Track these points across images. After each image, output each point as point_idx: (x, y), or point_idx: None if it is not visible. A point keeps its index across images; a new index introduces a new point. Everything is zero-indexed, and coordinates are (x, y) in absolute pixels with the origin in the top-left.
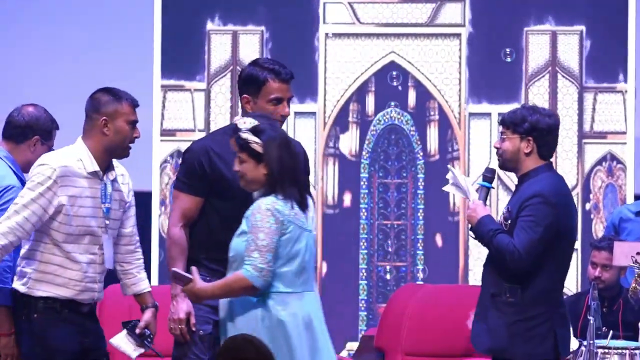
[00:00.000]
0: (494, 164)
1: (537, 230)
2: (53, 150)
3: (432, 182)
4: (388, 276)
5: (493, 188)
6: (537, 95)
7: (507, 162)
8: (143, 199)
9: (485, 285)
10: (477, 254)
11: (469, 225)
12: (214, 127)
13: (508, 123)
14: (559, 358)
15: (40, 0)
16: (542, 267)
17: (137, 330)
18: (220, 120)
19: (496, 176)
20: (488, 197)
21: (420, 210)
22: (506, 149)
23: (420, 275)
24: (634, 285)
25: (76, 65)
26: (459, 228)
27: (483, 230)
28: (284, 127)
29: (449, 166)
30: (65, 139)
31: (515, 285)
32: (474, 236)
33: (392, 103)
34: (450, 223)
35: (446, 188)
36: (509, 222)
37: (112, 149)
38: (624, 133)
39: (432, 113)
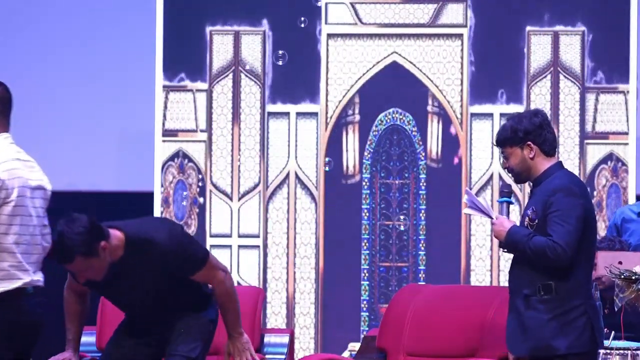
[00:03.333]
0: (496, 165)
1: (570, 221)
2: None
3: (434, 182)
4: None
5: (513, 203)
6: (539, 95)
7: (520, 175)
8: (145, 199)
9: (516, 288)
10: (479, 255)
11: (497, 241)
12: (215, 128)
13: (503, 141)
14: (596, 349)
15: (42, 0)
16: (575, 260)
17: None
18: (222, 120)
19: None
20: (510, 212)
21: (422, 211)
22: (513, 164)
23: (422, 275)
24: (625, 294)
25: (78, 65)
26: (461, 229)
27: (516, 238)
28: (285, 126)
29: (466, 189)
30: (65, 138)
31: (548, 282)
32: (505, 250)
33: (394, 104)
34: (452, 224)
35: (466, 211)
36: (536, 222)
37: None
38: (626, 134)
39: (433, 114)
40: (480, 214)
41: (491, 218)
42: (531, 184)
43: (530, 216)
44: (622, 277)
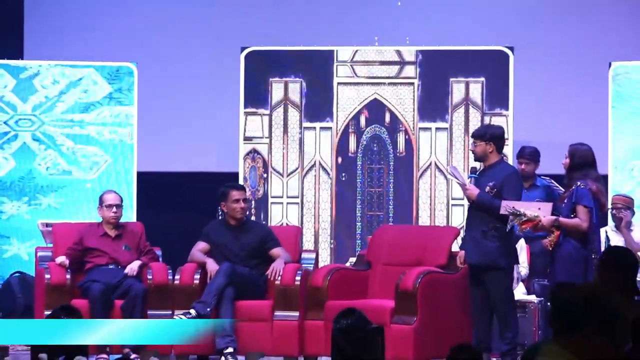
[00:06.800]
0: (433, 157)
1: (517, 193)
2: None
3: (398, 167)
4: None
5: (477, 177)
6: (457, 117)
7: (479, 159)
8: (232, 178)
9: (473, 225)
10: (424, 208)
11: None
12: (274, 136)
13: (477, 136)
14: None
15: None
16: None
17: None
18: (277, 132)
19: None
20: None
21: (392, 182)
22: (477, 151)
23: (391, 220)
24: (513, 222)
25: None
26: (413, 192)
27: (484, 199)
28: (314, 135)
29: (451, 165)
30: (185, 137)
31: (497, 225)
32: (476, 206)
33: (375, 122)
34: (408, 189)
35: (449, 175)
36: (494, 191)
37: None
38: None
39: (398, 127)
40: (458, 180)
41: (465, 185)
42: (482, 166)
43: (491, 187)
44: (510, 212)
